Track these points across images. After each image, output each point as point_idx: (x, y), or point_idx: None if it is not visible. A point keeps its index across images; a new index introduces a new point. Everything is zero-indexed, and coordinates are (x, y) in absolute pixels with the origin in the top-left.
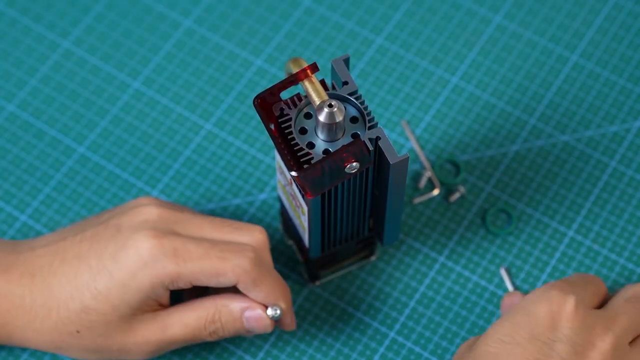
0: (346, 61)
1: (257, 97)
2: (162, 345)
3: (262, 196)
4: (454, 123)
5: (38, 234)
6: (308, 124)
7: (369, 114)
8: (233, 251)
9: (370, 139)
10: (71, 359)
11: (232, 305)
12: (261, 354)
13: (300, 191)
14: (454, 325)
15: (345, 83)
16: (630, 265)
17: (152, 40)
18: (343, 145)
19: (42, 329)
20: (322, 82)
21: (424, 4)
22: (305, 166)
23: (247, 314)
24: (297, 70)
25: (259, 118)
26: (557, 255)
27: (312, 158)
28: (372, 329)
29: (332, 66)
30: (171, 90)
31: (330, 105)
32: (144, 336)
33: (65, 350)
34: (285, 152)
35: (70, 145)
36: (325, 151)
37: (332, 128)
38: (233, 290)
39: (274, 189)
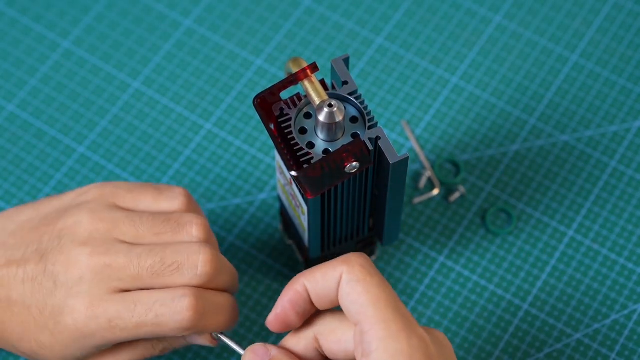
0: (346, 61)
1: (257, 97)
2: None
3: (262, 196)
4: (454, 123)
5: None
6: (308, 124)
7: (369, 113)
8: (168, 312)
9: (370, 139)
10: None
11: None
12: None
13: (300, 191)
14: (454, 325)
15: (345, 83)
16: (630, 265)
17: (152, 40)
18: (343, 145)
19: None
20: (322, 82)
21: (424, 4)
22: (305, 166)
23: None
24: (297, 70)
25: (259, 118)
26: (557, 255)
27: (312, 158)
28: None
29: (332, 66)
30: (171, 90)
31: (330, 105)
32: None
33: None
34: (285, 152)
35: (70, 145)
36: (325, 151)
37: (332, 128)
38: None
39: (274, 189)
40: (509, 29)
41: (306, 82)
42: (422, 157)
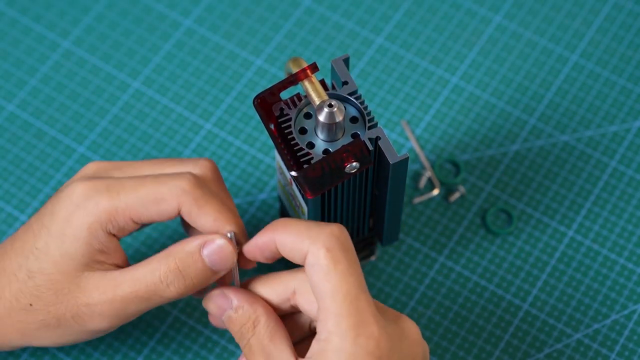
0: (346, 61)
1: (256, 97)
2: (117, 306)
3: (262, 196)
4: (454, 123)
5: None
6: (308, 124)
7: (368, 114)
8: (170, 176)
9: (370, 139)
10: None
11: (188, 246)
12: None
13: (300, 191)
14: (454, 325)
15: (345, 83)
16: (630, 265)
17: (152, 40)
18: (343, 145)
19: (2, 313)
20: (322, 82)
21: (424, 4)
22: (305, 166)
23: (206, 250)
24: (297, 70)
25: (259, 118)
26: (557, 255)
27: (312, 158)
28: None
29: (332, 66)
30: (171, 90)
31: (330, 105)
32: (95, 297)
33: (28, 335)
34: (285, 152)
35: (70, 145)
36: (325, 151)
37: (332, 128)
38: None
39: (274, 189)
40: (509, 29)
41: (306, 82)
42: (422, 157)
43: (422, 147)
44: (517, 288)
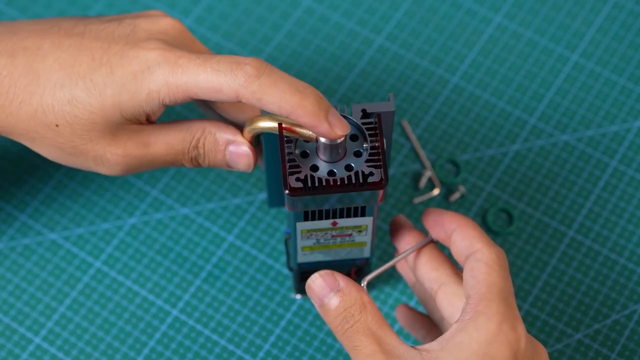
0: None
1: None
2: (142, 162)
3: (262, 196)
4: (454, 123)
5: (38, 233)
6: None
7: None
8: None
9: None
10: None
11: (218, 135)
12: (261, 354)
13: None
14: None
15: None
16: (631, 265)
17: None
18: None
19: (19, 114)
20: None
21: (424, 4)
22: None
23: (231, 148)
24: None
25: None
26: (557, 255)
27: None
28: None
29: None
30: None
31: None
32: (126, 149)
33: (38, 144)
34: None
35: None
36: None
37: (333, 149)
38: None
39: None
40: (509, 29)
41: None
42: (422, 157)
43: (422, 147)
44: (517, 288)
